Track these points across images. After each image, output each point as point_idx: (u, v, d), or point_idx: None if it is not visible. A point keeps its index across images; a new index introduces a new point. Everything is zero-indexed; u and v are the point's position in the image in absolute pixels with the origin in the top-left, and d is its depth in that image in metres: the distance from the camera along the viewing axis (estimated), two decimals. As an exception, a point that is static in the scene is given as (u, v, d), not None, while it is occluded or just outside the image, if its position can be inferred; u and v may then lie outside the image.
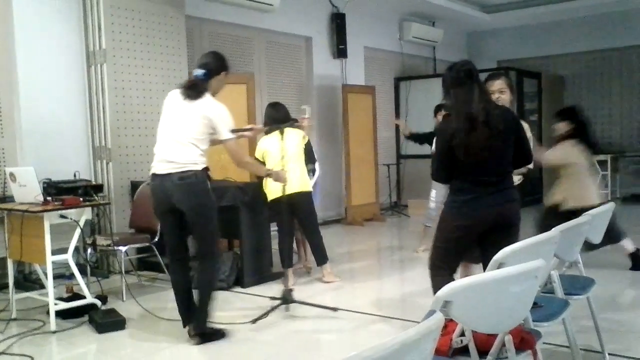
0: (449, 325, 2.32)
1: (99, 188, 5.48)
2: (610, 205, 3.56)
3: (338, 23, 9.24)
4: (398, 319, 4.34)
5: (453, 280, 3.37)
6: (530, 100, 10.87)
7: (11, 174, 4.44)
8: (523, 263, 2.09)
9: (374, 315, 4.49)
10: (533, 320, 2.57)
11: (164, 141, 3.89)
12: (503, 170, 3.31)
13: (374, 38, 10.18)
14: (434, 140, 3.45)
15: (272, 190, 5.13)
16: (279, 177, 4.46)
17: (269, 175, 4.40)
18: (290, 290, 4.61)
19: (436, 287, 3.35)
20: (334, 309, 4.48)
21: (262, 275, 5.43)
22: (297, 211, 5.37)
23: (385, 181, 9.97)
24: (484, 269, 3.26)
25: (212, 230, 3.93)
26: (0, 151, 5.66)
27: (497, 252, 2.99)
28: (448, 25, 11.41)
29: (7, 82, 5.67)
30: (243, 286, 5.31)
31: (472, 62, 3.43)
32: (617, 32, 10.89)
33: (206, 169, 3.87)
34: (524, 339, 2.37)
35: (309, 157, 5.57)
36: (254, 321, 4.28)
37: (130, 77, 6.17)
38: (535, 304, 2.52)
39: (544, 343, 2.71)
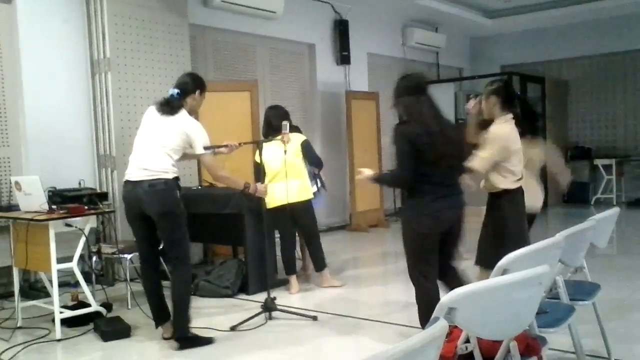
0: (453, 331, 2.32)
1: (103, 196, 5.50)
2: (615, 211, 3.55)
3: (341, 30, 9.26)
4: (403, 325, 4.33)
5: (437, 287, 3.56)
6: (534, 104, 10.84)
7: (16, 183, 4.46)
8: (527, 269, 2.09)
9: (379, 321, 4.47)
10: (538, 326, 2.56)
11: (139, 150, 4.08)
12: (455, 175, 3.63)
13: (377, 44, 10.20)
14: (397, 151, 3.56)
15: (271, 198, 5.15)
16: (256, 191, 4.50)
17: (246, 188, 4.41)
18: (273, 298, 4.64)
19: (425, 298, 3.58)
20: (314, 318, 4.52)
21: (267, 283, 5.42)
22: (297, 219, 5.42)
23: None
24: (441, 269, 3.65)
25: (180, 237, 4.03)
26: (5, 160, 5.69)
27: (452, 252, 3.64)
28: (451, 30, 11.43)
29: (12, 91, 5.70)
30: (248, 293, 5.31)
31: (424, 75, 3.78)
32: (621, 36, 10.87)
33: (176, 179, 4.04)
34: (530, 345, 2.36)
35: (310, 158, 5.47)
36: (233, 328, 4.35)
37: (134, 86, 6.19)
38: (540, 309, 2.51)
39: (549, 349, 2.70)
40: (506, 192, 3.96)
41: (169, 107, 4.07)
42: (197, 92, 4.20)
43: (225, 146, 4.40)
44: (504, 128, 3.93)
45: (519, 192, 4.04)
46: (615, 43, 10.95)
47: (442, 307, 1.80)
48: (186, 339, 4.02)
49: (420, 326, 3.65)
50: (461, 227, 3.64)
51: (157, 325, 4.21)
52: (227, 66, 7.89)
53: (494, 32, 11.86)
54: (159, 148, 4.00)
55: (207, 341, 4.10)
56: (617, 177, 10.88)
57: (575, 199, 11.04)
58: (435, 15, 10.51)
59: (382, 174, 3.81)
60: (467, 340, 2.29)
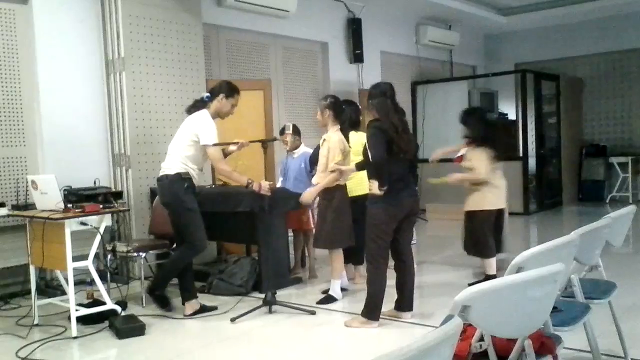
0: (467, 330, 2.31)
1: (118, 195, 5.54)
2: (631, 209, 3.51)
3: (354, 28, 9.25)
4: (416, 324, 4.32)
5: (386, 268, 4.28)
6: (548, 102, 10.78)
7: (33, 182, 4.50)
8: (542, 267, 2.08)
9: (387, 319, 4.45)
10: (553, 325, 2.54)
11: None
12: (411, 170, 4.35)
13: (390, 42, 10.18)
14: (373, 140, 4.14)
15: (354, 187, 5.21)
16: (259, 188, 4.61)
17: (249, 185, 4.61)
18: (274, 293, 4.73)
19: (380, 280, 4.22)
20: (313, 312, 4.63)
21: (280, 281, 5.44)
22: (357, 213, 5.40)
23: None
24: (395, 253, 4.34)
25: (185, 224, 4.61)
26: (22, 159, 5.74)
27: (406, 237, 4.37)
28: (464, 28, 11.37)
29: (29, 90, 5.76)
30: (261, 291, 5.31)
31: (391, 83, 4.39)
32: (636, 33, 10.75)
33: (179, 174, 4.52)
34: (544, 344, 2.35)
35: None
36: (233, 319, 4.48)
37: (148, 85, 6.23)
38: (555, 308, 2.50)
39: (564, 348, 2.68)
40: (339, 186, 4.85)
41: (192, 107, 4.69)
42: (222, 95, 4.64)
43: (235, 143, 4.70)
44: (336, 136, 4.82)
45: (345, 187, 4.95)
46: (630, 40, 10.83)
47: (456, 305, 1.79)
48: (153, 294, 4.78)
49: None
50: (417, 211, 4.46)
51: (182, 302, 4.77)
52: (240, 65, 7.91)
53: (508, 29, 11.78)
54: (171, 148, 4.68)
55: (168, 305, 4.77)
56: (632, 175, 10.77)
57: (590, 197, 10.96)
58: (448, 13, 10.46)
59: (361, 163, 4.51)
60: (482, 339, 2.28)
